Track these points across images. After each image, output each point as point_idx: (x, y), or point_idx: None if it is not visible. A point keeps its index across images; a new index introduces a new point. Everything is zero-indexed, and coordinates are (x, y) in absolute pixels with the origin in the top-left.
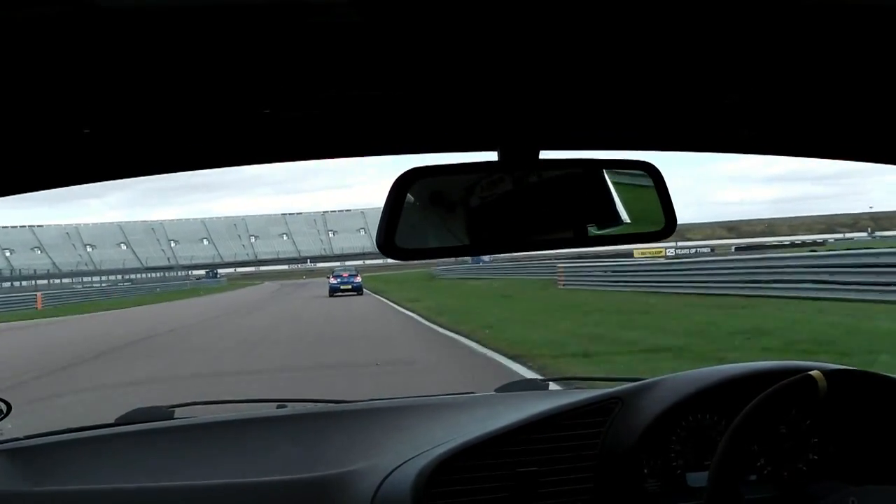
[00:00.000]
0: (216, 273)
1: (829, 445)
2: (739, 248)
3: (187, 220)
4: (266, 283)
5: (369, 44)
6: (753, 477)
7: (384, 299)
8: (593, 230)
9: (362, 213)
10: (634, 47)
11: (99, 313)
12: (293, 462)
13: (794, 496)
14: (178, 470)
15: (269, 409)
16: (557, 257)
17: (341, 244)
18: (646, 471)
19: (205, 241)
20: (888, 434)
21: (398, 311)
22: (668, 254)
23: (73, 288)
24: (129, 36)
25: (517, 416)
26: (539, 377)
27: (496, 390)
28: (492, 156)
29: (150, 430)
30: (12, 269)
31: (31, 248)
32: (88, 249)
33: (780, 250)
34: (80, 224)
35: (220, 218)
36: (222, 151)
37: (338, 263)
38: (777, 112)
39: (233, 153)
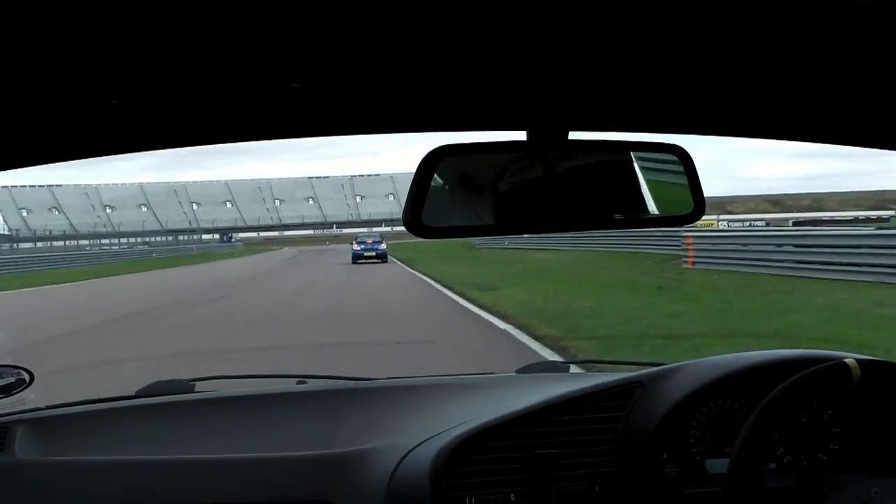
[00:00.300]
0: (230, 237)
1: (851, 436)
2: (798, 223)
3: (210, 181)
4: (286, 248)
5: (401, 18)
6: (773, 465)
7: (434, 283)
8: (620, 212)
9: (391, 177)
10: (667, 28)
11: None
12: (312, 438)
13: (814, 485)
14: (197, 443)
15: (289, 385)
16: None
17: (369, 210)
18: (665, 456)
19: (228, 204)
20: None
21: (466, 310)
22: (720, 227)
23: (86, 250)
24: (159, 6)
25: (537, 398)
26: (560, 359)
27: (516, 371)
28: (520, 135)
29: (170, 403)
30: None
31: (49, 209)
32: (108, 211)
33: (849, 226)
34: (99, 185)
35: (244, 180)
36: (250, 125)
37: (364, 229)
38: (809, 98)
39: (261, 127)
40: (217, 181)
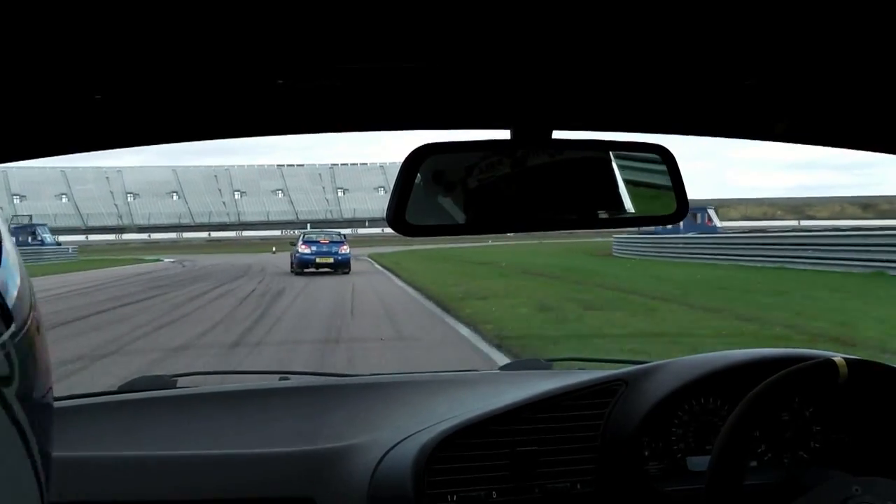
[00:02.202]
0: (40, 235)
1: (832, 434)
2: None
3: (153, 167)
4: (167, 260)
5: (384, 17)
6: (754, 463)
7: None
8: (604, 212)
9: (382, 167)
10: (651, 28)
11: None
12: (294, 434)
13: (795, 483)
14: (180, 439)
15: (272, 381)
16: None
17: (353, 205)
18: (647, 453)
19: (175, 196)
20: (887, 424)
21: None
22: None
23: None
24: (141, 1)
25: (520, 395)
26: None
27: (500, 368)
28: (504, 134)
29: (152, 399)
30: None
31: None
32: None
33: None
34: None
35: (196, 167)
36: (234, 121)
37: (348, 230)
38: (796, 98)
39: (244, 123)
40: (162, 167)
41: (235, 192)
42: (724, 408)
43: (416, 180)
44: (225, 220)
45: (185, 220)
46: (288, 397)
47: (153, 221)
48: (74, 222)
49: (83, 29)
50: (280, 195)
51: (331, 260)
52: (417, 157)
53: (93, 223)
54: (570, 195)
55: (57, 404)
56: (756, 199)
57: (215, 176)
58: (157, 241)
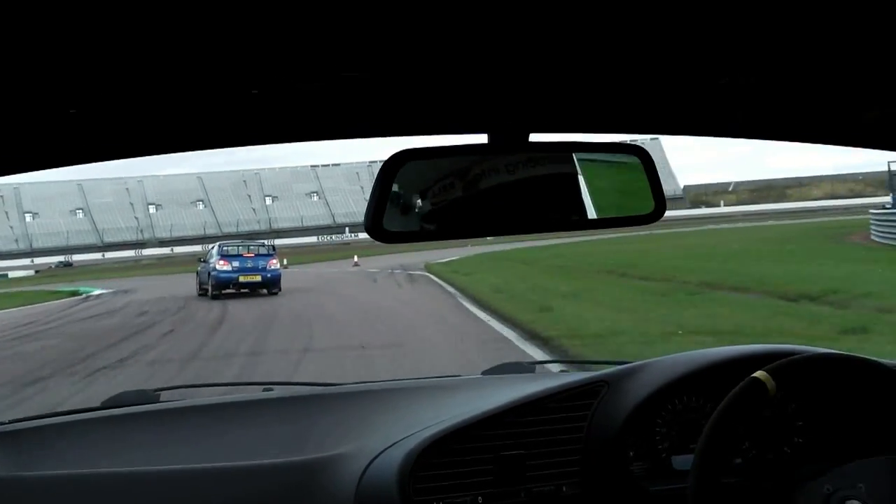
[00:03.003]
0: None
1: (815, 428)
2: None
3: (177, 175)
4: (101, 291)
5: (357, 25)
6: (739, 460)
7: None
8: (582, 214)
9: None
10: (623, 29)
11: None
12: (280, 445)
13: (780, 479)
14: (164, 454)
15: (256, 392)
16: None
17: None
18: (632, 453)
19: (200, 205)
20: (857, 409)
21: None
22: None
23: None
24: (114, 15)
25: (504, 399)
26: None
27: (483, 373)
28: (481, 138)
29: (136, 414)
30: None
31: None
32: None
33: None
34: None
35: (223, 172)
36: (209, 133)
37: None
38: (770, 95)
39: (220, 134)
40: (187, 174)
41: (266, 197)
42: (707, 406)
43: (394, 187)
44: (255, 227)
45: (211, 230)
46: (272, 408)
47: (175, 233)
48: (90, 239)
49: (56, 41)
50: (315, 198)
51: (257, 278)
52: (394, 164)
53: (110, 239)
54: (548, 198)
55: (39, 422)
56: (839, 175)
57: (244, 181)
58: (173, 257)
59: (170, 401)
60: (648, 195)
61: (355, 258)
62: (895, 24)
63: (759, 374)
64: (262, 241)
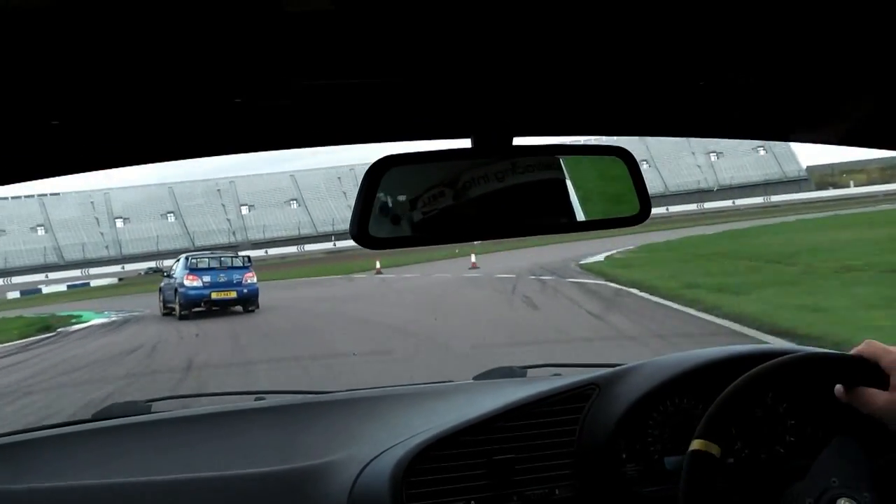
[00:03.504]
0: None
1: (807, 428)
2: None
3: (269, 175)
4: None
5: (340, 32)
6: (731, 460)
7: None
8: (567, 217)
9: None
10: (604, 32)
11: None
12: (272, 454)
13: (772, 478)
14: (156, 465)
15: (247, 402)
16: None
17: None
18: (624, 456)
19: (294, 204)
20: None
21: None
22: None
23: None
24: (97, 25)
25: (495, 404)
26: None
27: (474, 378)
28: (465, 143)
29: (127, 425)
30: None
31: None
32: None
33: None
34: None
35: (318, 170)
36: (194, 141)
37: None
38: (750, 95)
39: (204, 143)
40: (279, 173)
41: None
42: (699, 407)
43: (378, 193)
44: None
45: (306, 230)
46: (264, 417)
47: (269, 234)
48: (182, 243)
49: (39, 57)
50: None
51: (232, 294)
52: (378, 170)
53: (201, 242)
54: (533, 201)
55: (29, 435)
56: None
57: (339, 178)
58: (265, 259)
59: (161, 411)
60: (633, 196)
61: (472, 258)
62: (886, 23)
63: (696, 444)
64: (237, 251)
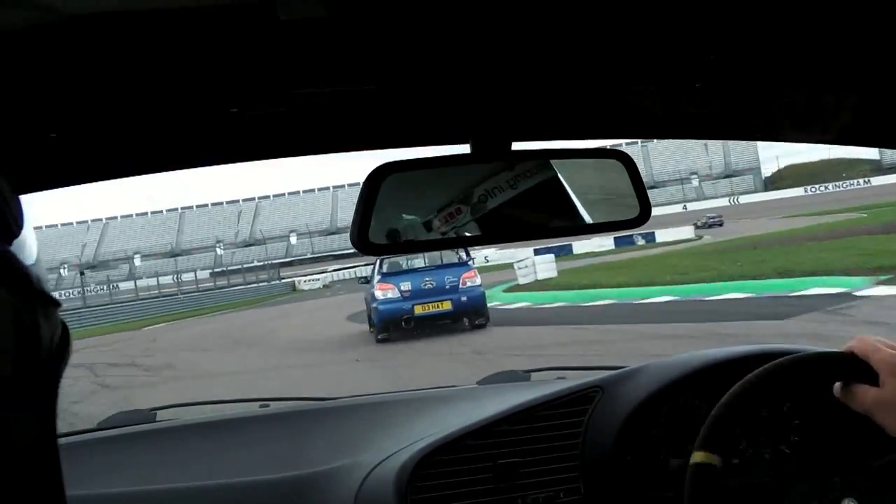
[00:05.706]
0: None
1: (812, 427)
2: None
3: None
4: None
5: (335, 39)
6: (736, 461)
7: None
8: (567, 220)
9: None
10: (599, 35)
11: None
12: (276, 461)
13: (778, 479)
14: (161, 473)
15: (252, 409)
16: None
17: None
18: (629, 458)
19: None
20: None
21: None
22: None
23: None
24: (92, 40)
25: (498, 408)
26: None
27: (478, 382)
28: (464, 148)
29: (132, 434)
30: None
31: None
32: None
33: None
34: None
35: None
36: (190, 152)
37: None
38: (748, 97)
39: (200, 153)
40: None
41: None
42: (703, 408)
43: (378, 200)
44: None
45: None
46: (268, 424)
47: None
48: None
49: (36, 71)
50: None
51: (446, 305)
52: (377, 177)
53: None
54: (532, 205)
55: None
56: None
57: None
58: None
59: (166, 420)
60: (633, 199)
61: None
62: (883, 23)
63: (698, 457)
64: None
